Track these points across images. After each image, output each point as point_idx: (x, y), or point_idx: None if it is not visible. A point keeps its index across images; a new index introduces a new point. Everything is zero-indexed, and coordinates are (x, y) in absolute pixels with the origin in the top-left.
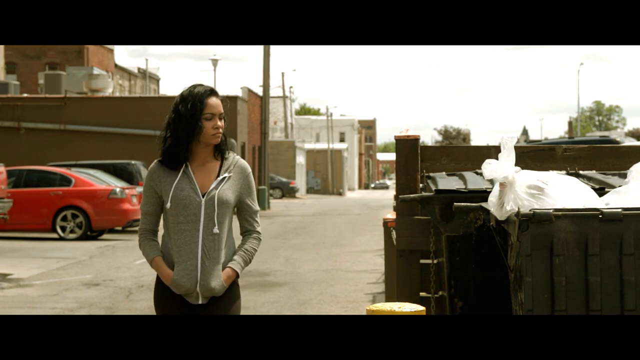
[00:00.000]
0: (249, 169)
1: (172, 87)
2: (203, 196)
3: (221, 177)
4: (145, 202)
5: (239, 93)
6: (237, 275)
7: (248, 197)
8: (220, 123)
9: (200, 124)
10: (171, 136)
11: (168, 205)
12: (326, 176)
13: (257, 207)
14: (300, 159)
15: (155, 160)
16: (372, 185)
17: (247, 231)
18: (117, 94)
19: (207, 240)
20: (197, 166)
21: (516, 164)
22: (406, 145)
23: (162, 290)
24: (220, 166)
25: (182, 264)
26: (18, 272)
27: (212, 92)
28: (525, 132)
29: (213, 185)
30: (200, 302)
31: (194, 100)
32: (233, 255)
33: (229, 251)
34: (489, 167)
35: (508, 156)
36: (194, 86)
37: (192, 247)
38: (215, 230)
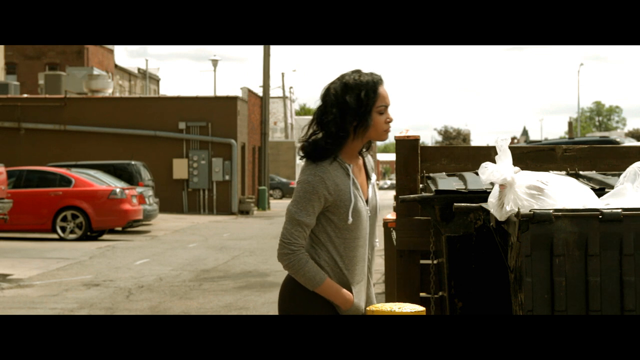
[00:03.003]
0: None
1: (172, 87)
2: (365, 204)
3: (373, 180)
4: (307, 213)
5: (239, 93)
6: None
7: None
8: (391, 117)
9: (370, 119)
10: (328, 132)
11: (350, 220)
12: None
13: None
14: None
15: (315, 163)
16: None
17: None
18: (117, 95)
19: (370, 256)
20: (354, 167)
21: (516, 165)
22: (406, 146)
23: (314, 309)
24: (364, 164)
25: (358, 284)
26: (18, 273)
27: (381, 80)
28: (525, 132)
29: (370, 192)
30: None
31: (367, 90)
32: None
33: None
34: (486, 171)
35: (504, 157)
36: (359, 73)
37: (363, 265)
38: (376, 243)
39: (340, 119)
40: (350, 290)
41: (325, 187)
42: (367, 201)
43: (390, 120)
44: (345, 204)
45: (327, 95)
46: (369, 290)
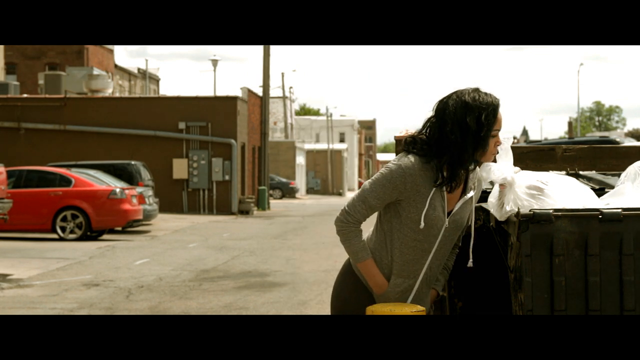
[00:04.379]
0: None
1: (172, 87)
2: (448, 215)
3: (468, 196)
4: (377, 196)
5: (239, 93)
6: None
7: (472, 212)
8: (500, 140)
9: (488, 142)
10: (451, 157)
11: (422, 225)
12: (326, 176)
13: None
14: (300, 160)
15: (411, 160)
16: None
17: (454, 245)
18: (117, 95)
19: (434, 264)
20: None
21: (516, 165)
22: None
23: (353, 287)
24: (466, 179)
25: (400, 279)
26: (18, 273)
27: (499, 103)
28: (525, 132)
29: (458, 206)
30: None
31: (487, 113)
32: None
33: None
34: (487, 170)
35: (505, 157)
36: (478, 93)
37: (417, 267)
38: (446, 254)
39: (461, 141)
40: (389, 280)
41: (403, 182)
42: (449, 213)
43: (500, 144)
44: (418, 206)
45: (444, 111)
46: (420, 299)
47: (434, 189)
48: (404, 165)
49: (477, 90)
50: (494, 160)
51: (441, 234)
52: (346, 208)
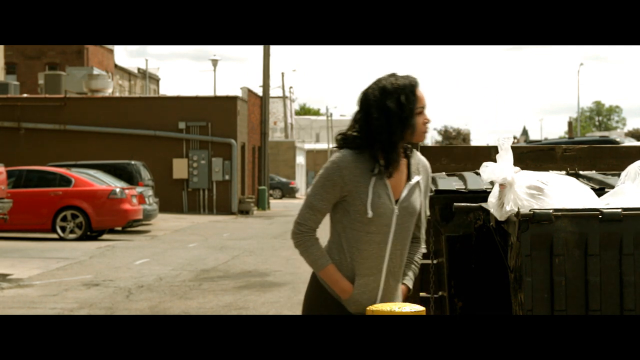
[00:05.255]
0: (430, 167)
1: (172, 87)
2: (396, 203)
3: (413, 181)
4: (320, 198)
5: (239, 93)
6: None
7: (425, 200)
8: (428, 118)
9: (414, 122)
10: (382, 143)
11: (370, 214)
12: None
13: (428, 212)
14: (300, 159)
15: (343, 153)
16: None
17: (415, 238)
18: (117, 94)
19: (395, 255)
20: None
21: (516, 165)
22: None
23: (321, 298)
24: (408, 165)
25: (364, 278)
26: (18, 272)
27: (417, 82)
28: (525, 132)
29: (405, 192)
30: None
31: (406, 94)
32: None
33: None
34: (487, 170)
35: (506, 157)
36: (395, 77)
37: (377, 261)
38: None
39: (387, 124)
40: (354, 282)
41: (341, 176)
42: (397, 201)
43: (428, 122)
44: (362, 197)
45: (366, 101)
46: (390, 293)
47: (374, 178)
48: (337, 159)
49: (393, 75)
50: (495, 160)
51: (394, 223)
52: (297, 220)
